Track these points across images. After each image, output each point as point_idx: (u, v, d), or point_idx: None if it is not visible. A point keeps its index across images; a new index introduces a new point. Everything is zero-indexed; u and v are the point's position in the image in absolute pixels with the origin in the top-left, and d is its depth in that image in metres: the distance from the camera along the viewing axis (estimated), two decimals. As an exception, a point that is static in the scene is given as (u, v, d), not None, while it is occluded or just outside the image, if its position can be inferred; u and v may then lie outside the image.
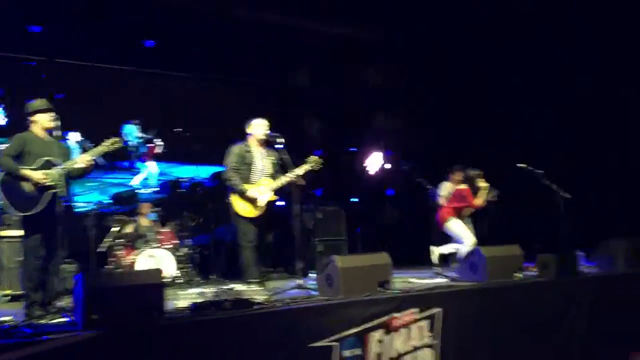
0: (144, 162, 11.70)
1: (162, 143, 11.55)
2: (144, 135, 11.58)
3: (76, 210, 9.97)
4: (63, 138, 9.83)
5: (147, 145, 11.65)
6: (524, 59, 10.52)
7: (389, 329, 4.70)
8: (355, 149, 13.03)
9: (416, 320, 4.86)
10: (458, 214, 7.53)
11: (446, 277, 6.44)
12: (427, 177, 7.62)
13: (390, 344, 4.69)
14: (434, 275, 6.62)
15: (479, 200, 7.60)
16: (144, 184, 11.55)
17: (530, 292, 5.67)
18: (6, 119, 10.15)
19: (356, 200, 12.55)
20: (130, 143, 11.62)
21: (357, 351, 4.50)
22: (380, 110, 12.53)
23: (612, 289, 6.25)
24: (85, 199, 10.60)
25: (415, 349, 4.82)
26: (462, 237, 7.36)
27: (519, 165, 7.45)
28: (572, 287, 5.92)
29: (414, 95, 11.89)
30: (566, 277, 5.96)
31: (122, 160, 11.69)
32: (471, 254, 6.07)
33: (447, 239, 7.85)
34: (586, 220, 8.70)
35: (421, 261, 8.07)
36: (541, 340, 5.52)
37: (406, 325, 4.81)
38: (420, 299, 4.94)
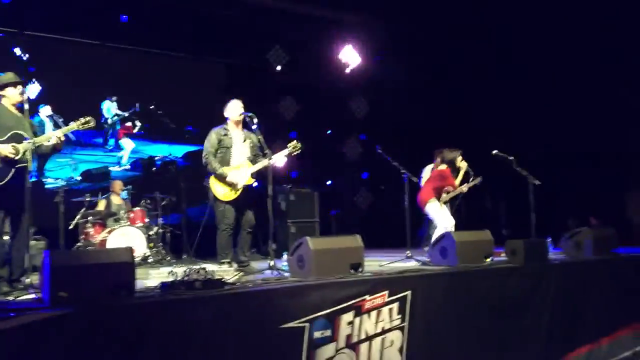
0: (119, 139, 11.56)
1: (139, 123, 11.45)
2: (121, 113, 11.44)
3: (47, 186, 9.85)
4: (36, 112, 9.74)
5: (125, 123, 11.51)
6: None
7: (359, 311, 4.74)
8: (331, 132, 13.04)
9: (386, 303, 4.90)
10: (438, 195, 7.55)
11: (417, 260, 6.50)
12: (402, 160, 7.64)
13: (360, 326, 4.73)
14: (406, 259, 6.68)
15: (458, 181, 7.67)
16: (119, 161, 11.43)
17: (498, 277, 5.76)
18: None
19: (331, 182, 12.59)
20: (108, 120, 11.47)
21: (327, 332, 4.53)
22: (356, 93, 12.52)
23: (578, 274, 6.40)
24: (56, 175, 10.44)
25: (385, 331, 4.87)
26: (441, 219, 7.41)
27: (493, 152, 7.53)
28: (539, 272, 6.03)
29: (391, 77, 11.89)
30: (534, 262, 6.06)
31: (95, 136, 11.56)
32: (442, 238, 6.13)
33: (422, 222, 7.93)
34: (555, 206, 8.88)
35: (394, 244, 8.13)
36: (509, 323, 5.63)
37: (377, 308, 4.85)
38: (391, 282, 4.98)
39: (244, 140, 6.04)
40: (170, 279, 4.25)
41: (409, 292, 5.02)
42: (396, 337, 4.94)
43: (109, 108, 11.65)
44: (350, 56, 12.27)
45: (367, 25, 11.73)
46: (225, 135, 5.98)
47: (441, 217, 7.46)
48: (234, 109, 6.01)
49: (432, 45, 11.33)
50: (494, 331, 5.49)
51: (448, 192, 7.75)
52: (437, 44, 11.29)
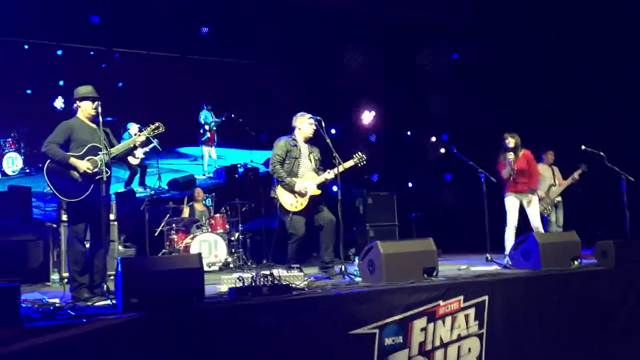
0: (203, 147, 11.94)
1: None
2: (217, 120, 11.84)
3: (137, 195, 10.31)
4: (125, 129, 10.25)
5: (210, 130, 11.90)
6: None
7: (433, 317, 4.57)
8: (411, 134, 12.80)
9: (462, 309, 4.70)
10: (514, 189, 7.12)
11: (498, 264, 6.20)
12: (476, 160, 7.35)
13: (434, 333, 4.56)
14: (486, 263, 6.40)
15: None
16: (201, 169, 11.81)
17: (586, 281, 5.37)
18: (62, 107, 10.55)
19: (412, 185, 12.36)
20: (206, 127, 11.92)
21: (399, 339, 4.40)
22: (437, 92, 12.21)
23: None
24: (146, 184, 10.93)
25: (461, 337, 4.66)
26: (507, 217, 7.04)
27: (583, 147, 7.10)
28: (633, 275, 5.57)
29: (472, 76, 11.51)
30: (627, 265, 5.61)
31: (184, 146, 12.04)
32: (524, 240, 5.81)
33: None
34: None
35: (476, 248, 7.83)
36: (597, 330, 5.22)
37: (451, 314, 4.66)
38: (467, 287, 4.77)
39: (310, 154, 6.01)
40: (239, 284, 4.28)
41: (486, 297, 4.79)
42: (473, 344, 4.73)
43: (207, 116, 12.10)
44: (428, 56, 12.01)
45: (447, 24, 11.43)
46: (295, 146, 5.95)
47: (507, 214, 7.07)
48: (306, 125, 5.96)
49: (515, 42, 10.87)
50: (580, 340, 5.12)
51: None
52: (519, 41, 10.81)
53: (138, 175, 10.70)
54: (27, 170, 10.62)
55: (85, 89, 4.96)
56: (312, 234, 6.06)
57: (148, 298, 3.82)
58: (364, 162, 5.92)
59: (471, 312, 4.74)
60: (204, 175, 11.80)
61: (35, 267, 7.84)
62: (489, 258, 6.49)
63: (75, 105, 4.99)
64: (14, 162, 10.49)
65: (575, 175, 8.35)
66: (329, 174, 5.81)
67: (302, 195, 5.80)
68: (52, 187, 4.74)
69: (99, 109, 4.81)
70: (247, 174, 11.14)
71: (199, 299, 4.05)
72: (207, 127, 12.06)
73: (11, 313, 3.34)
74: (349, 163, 5.88)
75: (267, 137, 11.24)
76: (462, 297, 4.69)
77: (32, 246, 8.01)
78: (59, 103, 10.47)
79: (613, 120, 9.85)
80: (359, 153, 5.95)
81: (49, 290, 6.25)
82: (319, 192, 5.88)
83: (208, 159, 12.07)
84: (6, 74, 9.52)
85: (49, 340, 3.36)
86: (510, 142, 7.06)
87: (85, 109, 4.92)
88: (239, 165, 11.81)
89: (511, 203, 6.97)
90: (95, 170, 4.74)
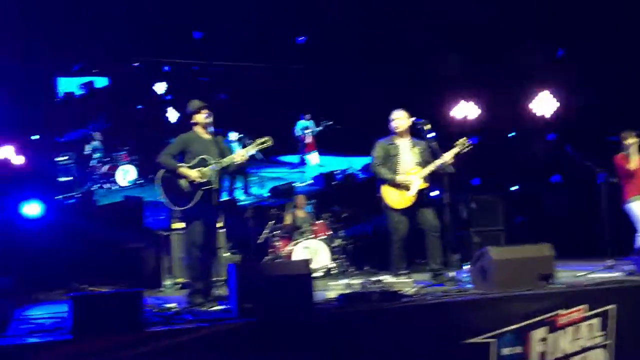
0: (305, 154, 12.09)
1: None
2: (316, 128, 12.00)
3: (238, 203, 10.60)
4: (225, 137, 10.60)
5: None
6: None
7: (553, 326, 4.32)
8: (514, 134, 12.30)
9: (585, 318, 4.40)
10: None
11: (622, 270, 5.75)
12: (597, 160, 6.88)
13: (555, 343, 4.30)
14: (607, 269, 5.96)
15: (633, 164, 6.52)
16: (302, 177, 11.97)
17: None
18: (177, 119, 11.08)
19: (516, 188, 11.84)
20: (304, 136, 12.13)
21: (518, 349, 4.19)
22: (541, 89, 11.67)
23: None
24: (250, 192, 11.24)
25: (585, 349, 4.37)
26: (637, 221, 6.44)
27: None
28: None
29: (577, 71, 10.88)
30: None
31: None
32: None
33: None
34: None
35: (591, 253, 7.34)
36: None
37: (574, 323, 4.38)
38: (590, 295, 4.48)
39: (413, 147, 5.86)
40: (348, 291, 4.23)
41: (612, 306, 4.46)
42: (599, 356, 4.42)
43: (306, 125, 12.30)
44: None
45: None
46: (391, 144, 5.86)
47: (637, 219, 6.48)
48: (397, 121, 5.86)
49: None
50: None
51: None
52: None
53: (242, 184, 11.00)
54: (141, 181, 11.23)
55: (193, 104, 5.14)
56: (416, 237, 5.90)
57: (261, 303, 3.87)
58: (468, 148, 5.70)
59: (595, 321, 4.44)
60: (303, 182, 11.95)
61: (147, 273, 8.23)
62: (610, 264, 6.04)
63: (191, 120, 5.16)
64: (127, 174, 11.11)
65: None
66: (433, 165, 5.64)
67: (406, 188, 5.65)
68: (163, 195, 4.93)
69: (211, 118, 4.97)
70: (346, 180, 11.15)
71: (309, 305, 4.05)
72: (306, 135, 12.22)
73: (134, 318, 3.47)
74: (453, 150, 5.70)
75: (365, 142, 11.22)
76: (585, 306, 4.39)
77: (145, 253, 8.42)
78: (171, 115, 10.99)
79: None
80: (461, 139, 5.74)
81: (162, 296, 6.51)
82: (426, 185, 5.71)
83: (312, 165, 12.21)
84: (120, 91, 10.14)
85: (169, 345, 3.47)
86: (630, 141, 6.49)
87: (199, 121, 5.09)
88: (336, 172, 11.87)
89: (638, 207, 6.40)
90: (204, 180, 4.88)
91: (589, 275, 5.59)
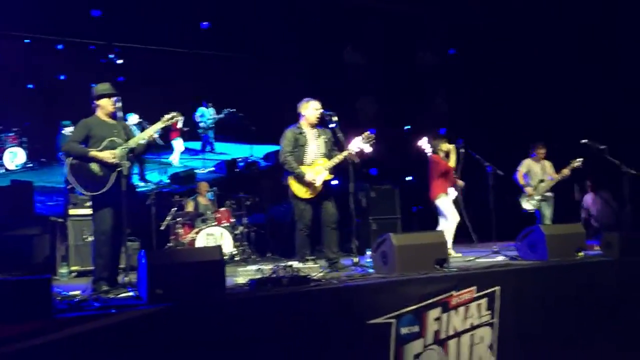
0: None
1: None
2: (217, 116, 11.89)
3: (138, 189, 10.35)
4: (124, 120, 10.26)
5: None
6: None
7: (447, 307, 4.68)
8: (410, 128, 12.89)
9: (474, 299, 4.81)
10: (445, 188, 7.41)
11: (505, 255, 6.32)
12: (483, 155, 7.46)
13: (448, 322, 4.67)
14: (493, 254, 6.52)
15: (453, 162, 7.39)
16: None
17: (592, 271, 5.50)
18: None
19: (411, 179, 12.44)
20: (201, 125, 11.95)
21: (415, 328, 4.50)
22: (436, 87, 12.33)
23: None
24: (148, 178, 10.97)
25: (474, 327, 4.78)
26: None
27: (582, 141, 7.22)
28: (637, 267, 5.70)
29: (472, 72, 11.62)
30: (631, 256, 5.75)
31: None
32: (530, 232, 5.92)
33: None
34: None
35: (480, 239, 7.94)
36: (605, 321, 5.35)
37: (464, 304, 4.77)
38: (479, 278, 4.88)
39: (318, 137, 6.03)
40: (258, 276, 4.35)
41: (497, 288, 4.90)
42: (485, 333, 4.84)
43: (205, 114, 12.13)
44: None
45: (443, 19, 11.52)
46: (300, 133, 5.99)
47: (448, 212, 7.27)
48: (312, 110, 6.00)
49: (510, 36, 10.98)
50: (587, 329, 5.25)
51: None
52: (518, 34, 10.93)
53: (138, 170, 10.73)
54: (30, 165, 10.64)
55: (103, 87, 4.99)
56: (319, 225, 6.11)
57: (172, 289, 3.90)
58: (373, 141, 5.95)
59: (483, 302, 4.85)
60: (204, 169, 11.85)
61: (40, 261, 7.87)
62: (496, 249, 6.60)
63: (94, 103, 5.01)
64: (15, 157, 10.49)
65: (566, 170, 8.10)
66: (339, 157, 5.86)
67: (312, 183, 5.84)
68: (75, 183, 4.78)
69: (119, 104, 4.86)
70: (248, 168, 11.21)
71: (221, 290, 4.14)
72: (202, 124, 12.12)
73: (43, 305, 3.40)
74: (358, 139, 5.90)
75: (267, 131, 11.32)
76: (474, 288, 4.79)
77: (37, 240, 8.03)
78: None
79: (610, 113, 10.01)
80: (367, 132, 6.00)
81: (59, 284, 6.28)
82: (331, 176, 5.91)
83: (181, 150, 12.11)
84: (7, 68, 9.51)
85: (80, 331, 3.42)
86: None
87: (104, 107, 4.95)
88: (239, 160, 11.88)
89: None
90: (115, 161, 4.78)
91: (478, 260, 6.09)
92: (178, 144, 11.90)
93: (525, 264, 5.51)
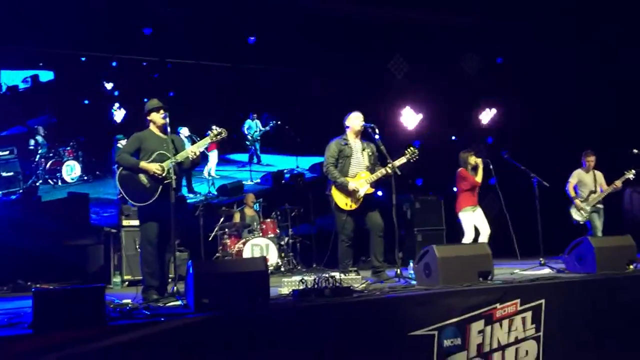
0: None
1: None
2: (263, 129, 12.12)
3: (188, 201, 10.63)
4: (176, 133, 10.58)
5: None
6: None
7: (490, 319, 4.64)
8: (456, 138, 12.81)
9: (519, 312, 4.76)
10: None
11: (552, 268, 6.22)
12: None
13: (491, 335, 4.63)
14: (539, 267, 6.41)
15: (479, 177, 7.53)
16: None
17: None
18: (122, 117, 10.99)
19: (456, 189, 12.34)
20: (248, 137, 12.21)
21: (458, 341, 4.49)
22: (481, 99, 12.23)
23: None
24: (197, 190, 11.26)
25: (518, 340, 4.72)
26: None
27: (634, 151, 7.06)
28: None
29: (520, 80, 11.47)
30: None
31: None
32: (578, 244, 5.81)
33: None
34: None
35: (526, 252, 7.82)
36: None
37: (508, 317, 4.73)
38: (523, 290, 4.83)
39: (363, 150, 6.13)
40: (301, 286, 4.44)
41: (542, 301, 4.83)
42: (531, 347, 4.78)
43: (252, 126, 12.39)
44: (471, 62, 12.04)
45: (489, 28, 11.42)
46: (345, 145, 6.10)
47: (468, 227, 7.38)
48: (355, 120, 6.13)
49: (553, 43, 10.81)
50: (636, 345, 5.10)
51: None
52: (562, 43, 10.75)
53: (185, 182, 11.02)
54: (85, 178, 11.08)
55: (152, 102, 5.20)
56: (362, 236, 6.19)
57: (218, 298, 4.02)
58: (416, 157, 6.02)
59: (528, 315, 4.79)
60: (251, 181, 12.07)
61: (95, 270, 8.19)
62: (542, 262, 6.50)
63: (147, 118, 5.22)
64: (72, 170, 10.95)
65: (618, 183, 7.96)
66: (382, 172, 5.92)
67: (353, 194, 5.92)
68: (123, 193, 4.99)
69: (167, 119, 5.06)
70: (293, 179, 11.35)
71: (265, 300, 4.24)
72: (248, 136, 12.36)
73: (97, 312, 3.56)
74: (402, 159, 6.00)
75: (313, 143, 11.43)
76: (518, 301, 4.75)
77: (92, 250, 8.37)
78: (117, 115, 10.89)
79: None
80: (411, 148, 6.05)
81: (112, 293, 6.53)
82: (372, 190, 5.99)
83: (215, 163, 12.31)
84: (65, 84, 9.95)
85: (131, 338, 3.57)
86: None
87: (155, 120, 5.16)
88: (285, 171, 12.05)
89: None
90: (163, 174, 4.96)
91: (523, 273, 6.01)
92: (213, 156, 12.16)
93: (572, 277, 5.41)
